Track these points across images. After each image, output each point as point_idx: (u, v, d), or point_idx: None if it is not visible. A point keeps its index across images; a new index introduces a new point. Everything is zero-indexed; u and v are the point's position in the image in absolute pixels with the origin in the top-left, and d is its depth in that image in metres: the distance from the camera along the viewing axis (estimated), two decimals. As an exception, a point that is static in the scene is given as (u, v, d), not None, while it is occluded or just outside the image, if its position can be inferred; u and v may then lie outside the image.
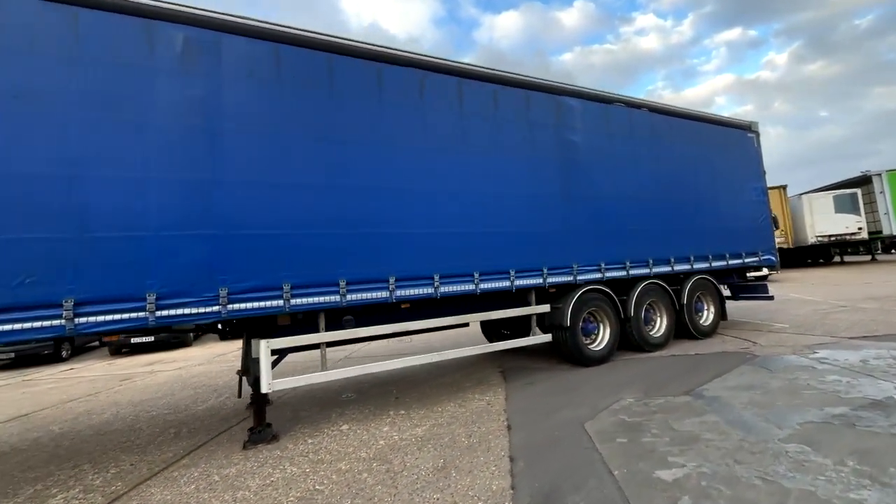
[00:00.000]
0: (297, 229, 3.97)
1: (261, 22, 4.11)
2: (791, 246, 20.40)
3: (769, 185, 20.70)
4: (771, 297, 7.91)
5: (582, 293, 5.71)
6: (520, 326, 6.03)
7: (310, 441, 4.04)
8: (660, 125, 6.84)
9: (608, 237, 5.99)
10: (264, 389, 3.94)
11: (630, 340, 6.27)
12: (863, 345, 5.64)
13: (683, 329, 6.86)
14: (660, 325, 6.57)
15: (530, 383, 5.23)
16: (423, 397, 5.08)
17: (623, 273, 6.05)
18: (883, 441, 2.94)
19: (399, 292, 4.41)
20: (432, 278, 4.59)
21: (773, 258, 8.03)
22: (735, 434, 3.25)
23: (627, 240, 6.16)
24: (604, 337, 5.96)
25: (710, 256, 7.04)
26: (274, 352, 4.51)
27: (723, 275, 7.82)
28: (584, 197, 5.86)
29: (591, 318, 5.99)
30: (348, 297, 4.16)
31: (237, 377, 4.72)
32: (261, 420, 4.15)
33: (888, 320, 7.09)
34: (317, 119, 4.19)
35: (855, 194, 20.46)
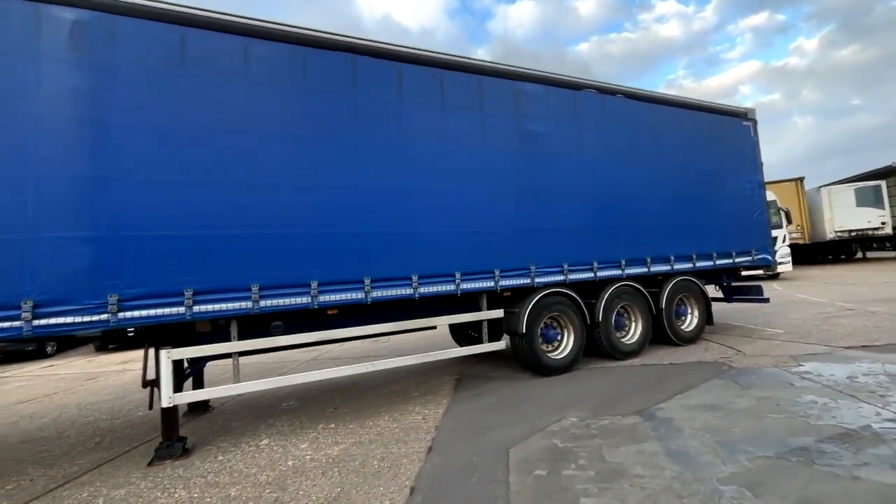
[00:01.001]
0: (200, 231, 3.64)
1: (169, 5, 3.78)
2: (808, 241, 19.29)
3: (789, 177, 19.64)
4: (766, 300, 7.28)
5: (541, 297, 5.25)
6: (491, 329, 5.59)
7: (220, 458, 3.74)
8: (638, 113, 6.27)
9: (573, 236, 5.50)
10: (164, 404, 3.65)
11: (599, 348, 5.79)
12: (857, 357, 5.04)
13: (663, 335, 6.34)
14: (634, 332, 6.05)
15: (478, 395, 4.82)
16: (362, 408, 4.74)
17: (590, 275, 5.56)
18: (839, 486, 2.45)
19: (323, 298, 4.05)
20: (362, 282, 4.22)
21: (769, 257, 7.38)
22: (670, 470, 2.79)
23: (596, 239, 5.65)
24: (567, 344, 5.50)
25: (695, 256, 6.47)
26: (191, 360, 4.24)
27: (712, 275, 7.24)
28: (546, 193, 5.37)
29: (554, 324, 5.53)
30: (262, 303, 3.82)
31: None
32: (169, 435, 3.86)
33: (894, 327, 6.41)
34: (226, 112, 3.84)
35: (879, 186, 19.18)
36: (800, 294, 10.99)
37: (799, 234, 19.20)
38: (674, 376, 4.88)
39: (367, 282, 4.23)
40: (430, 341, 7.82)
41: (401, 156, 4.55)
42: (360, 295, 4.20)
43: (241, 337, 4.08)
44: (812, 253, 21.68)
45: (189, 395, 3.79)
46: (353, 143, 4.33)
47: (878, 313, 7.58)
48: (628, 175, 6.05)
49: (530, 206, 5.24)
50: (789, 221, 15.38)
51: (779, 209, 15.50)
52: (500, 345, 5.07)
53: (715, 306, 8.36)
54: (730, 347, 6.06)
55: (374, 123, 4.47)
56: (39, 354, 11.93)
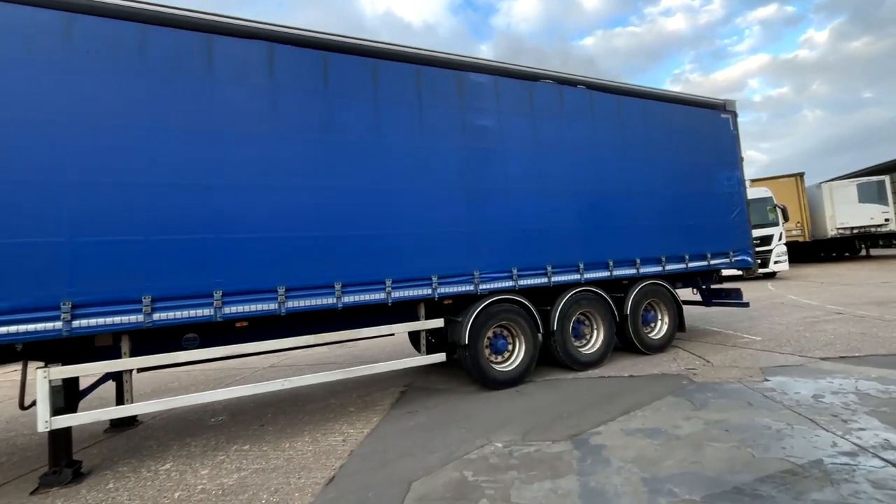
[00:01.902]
0: (79, 237, 3.28)
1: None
2: (808, 239, 18.66)
3: (800, 172, 18.99)
4: (746, 304, 6.83)
5: (488, 305, 4.86)
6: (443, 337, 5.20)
7: (110, 486, 3.41)
8: (602, 105, 5.83)
9: (525, 238, 5.09)
10: (40, 428, 3.31)
11: (556, 358, 5.40)
12: (830, 370, 4.60)
13: (630, 343, 5.92)
14: (594, 340, 5.64)
15: (413, 412, 4.45)
16: (288, 426, 4.39)
17: (543, 280, 5.15)
18: (763, 546, 2.05)
19: (229, 309, 3.70)
20: (276, 291, 3.86)
21: (749, 259, 6.92)
22: (577, 515, 2.41)
23: (551, 241, 5.24)
24: (517, 355, 5.10)
25: (664, 258, 6.03)
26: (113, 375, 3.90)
27: (687, 279, 6.80)
28: (495, 192, 4.97)
29: (505, 333, 5.14)
30: (156, 315, 3.48)
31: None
32: (57, 460, 3.53)
33: (880, 334, 5.95)
34: (123, 104, 3.48)
35: (882, 182, 18.50)
36: (791, 295, 10.49)
37: (799, 232, 18.57)
38: (627, 392, 4.47)
39: (282, 291, 3.86)
40: (399, 346, 7.45)
41: (325, 152, 4.17)
42: (272, 305, 3.84)
43: (148, 351, 3.75)
44: (814, 251, 21.03)
45: (69, 419, 3.45)
46: (288, 140, 3.96)
47: (867, 318, 7.10)
48: (589, 172, 5.62)
49: (476, 207, 4.84)
50: (786, 219, 14.78)
51: (775, 206, 14.94)
52: (440, 357, 4.68)
53: (698, 310, 7.99)
54: (699, 357, 5.64)
55: (296, 118, 4.09)
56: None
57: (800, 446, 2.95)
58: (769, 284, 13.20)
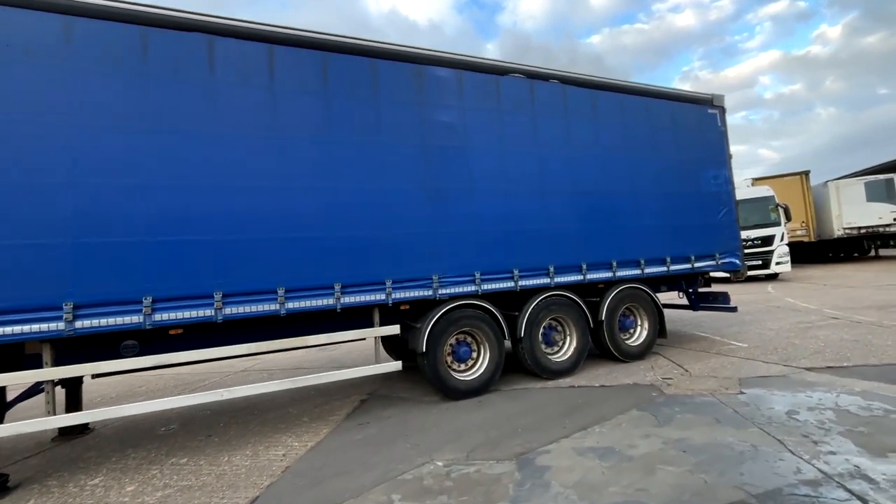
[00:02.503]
0: (-6, 240, 3.11)
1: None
2: (813, 239, 18.11)
3: (802, 170, 18.45)
4: (733, 309, 6.52)
5: (448, 311, 4.62)
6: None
7: (31, 502, 3.24)
8: (577, 100, 5.55)
9: (490, 240, 4.83)
10: (-49, 442, 3.15)
11: (524, 366, 5.14)
12: (813, 382, 4.29)
13: (606, 350, 5.65)
14: (567, 347, 5.37)
15: (365, 424, 4.23)
16: (235, 437, 4.19)
17: (510, 285, 4.90)
18: None
19: (159, 316, 3.50)
20: (212, 297, 3.66)
21: (737, 262, 6.58)
22: (495, 552, 2.17)
23: (518, 243, 4.98)
24: (481, 364, 4.85)
25: (643, 261, 5.73)
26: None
27: (671, 282, 6.49)
28: (457, 192, 4.72)
29: (469, 340, 4.89)
30: (78, 323, 3.29)
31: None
32: (-24, 474, 3.37)
33: (874, 342, 5.60)
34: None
35: (891, 180, 17.89)
36: (790, 298, 10.09)
37: (804, 232, 18.04)
38: (593, 404, 4.20)
39: (219, 297, 3.66)
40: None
41: (269, 152, 3.96)
42: (208, 312, 3.64)
43: (81, 359, 3.57)
44: (820, 251, 20.44)
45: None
46: (213, 138, 3.76)
47: (864, 323, 6.74)
48: (561, 170, 5.35)
49: (436, 207, 4.60)
50: (788, 218, 14.32)
51: (777, 205, 14.48)
52: (396, 365, 4.45)
53: (688, 314, 7.65)
54: (678, 366, 5.34)
55: (242, 114, 3.88)
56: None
57: (759, 472, 2.68)
58: (769, 286, 12.77)
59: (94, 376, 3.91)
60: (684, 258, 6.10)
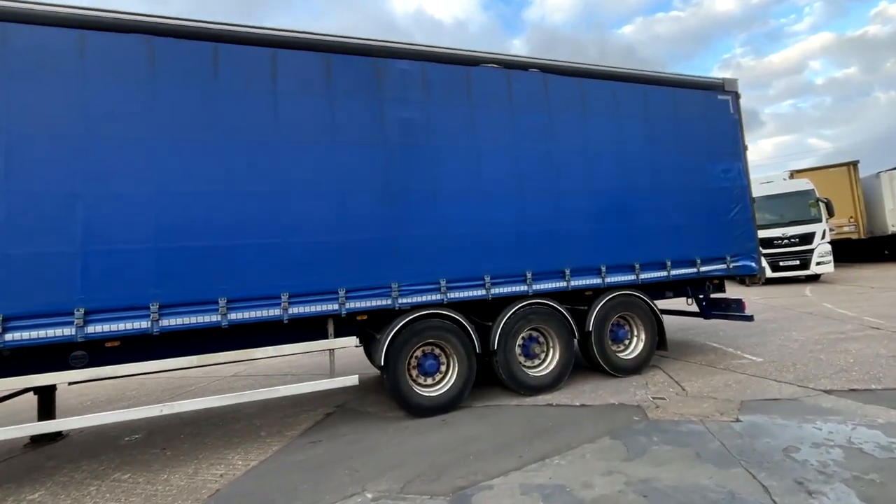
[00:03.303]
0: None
1: None
2: (863, 236, 16.43)
3: (867, 160, 16.71)
4: (749, 318, 5.81)
5: (411, 321, 4.29)
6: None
7: (-37, 518, 3.20)
8: (560, 91, 5.08)
9: (458, 245, 4.46)
10: None
11: (500, 380, 4.74)
12: (829, 409, 3.66)
13: (595, 363, 5.15)
14: (549, 361, 4.91)
15: (317, 441, 3.97)
16: (188, 451, 4.03)
17: (481, 293, 4.51)
18: None
19: (93, 328, 3.38)
20: (148, 308, 3.50)
21: (753, 264, 5.87)
22: None
23: (491, 248, 4.58)
24: (450, 378, 4.49)
25: (638, 266, 5.18)
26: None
27: (675, 287, 5.88)
28: (420, 193, 4.38)
29: (437, 352, 4.54)
30: (8, 336, 3.19)
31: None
32: (-83, 486, 3.36)
33: (915, 360, 4.81)
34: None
35: (956, 169, 15.95)
36: (827, 304, 9.07)
37: (852, 228, 16.40)
38: (564, 427, 3.76)
39: (155, 308, 3.51)
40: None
41: (217, 154, 3.77)
42: (144, 324, 3.49)
43: (32, 370, 3.50)
44: (873, 249, 18.54)
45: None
46: (148, 144, 3.61)
47: (908, 336, 5.87)
48: (542, 168, 4.90)
49: (396, 210, 4.28)
50: (830, 214, 12.99)
51: (817, 200, 13.19)
52: (352, 379, 4.16)
53: (704, 322, 6.95)
54: (676, 383, 4.77)
55: (181, 114, 3.72)
56: None
57: (728, 530, 2.20)
58: (807, 289, 11.61)
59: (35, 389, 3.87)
60: (688, 262, 5.48)
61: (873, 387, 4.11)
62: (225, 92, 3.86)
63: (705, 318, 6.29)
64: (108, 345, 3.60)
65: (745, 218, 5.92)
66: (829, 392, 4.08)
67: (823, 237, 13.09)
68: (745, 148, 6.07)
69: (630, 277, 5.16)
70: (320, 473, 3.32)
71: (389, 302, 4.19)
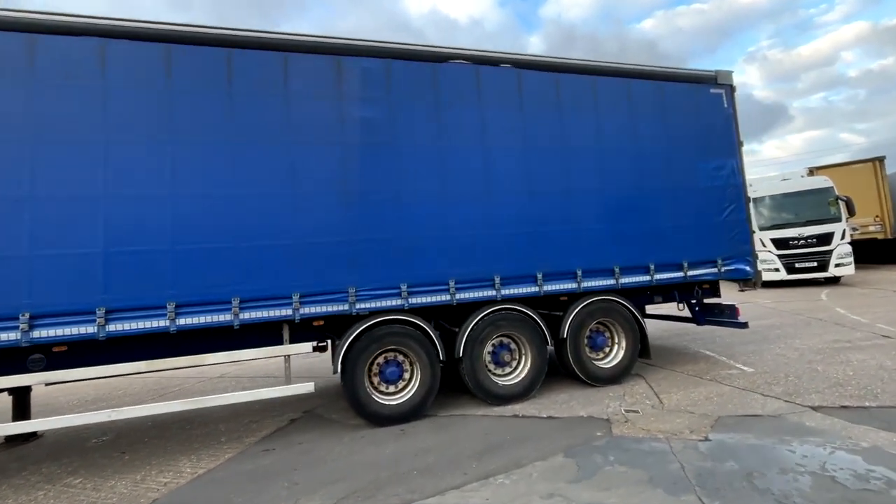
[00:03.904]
0: None
1: None
2: (889, 236, 15.47)
3: (870, 155, 16.01)
4: (743, 325, 5.47)
5: (371, 327, 4.15)
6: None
7: None
8: (535, 86, 4.85)
9: (421, 248, 4.30)
10: None
11: (468, 389, 4.56)
12: (811, 428, 3.36)
13: (571, 372, 4.91)
14: (520, 369, 4.70)
15: (270, 450, 3.88)
16: (145, 456, 3.99)
17: (445, 298, 4.34)
18: None
19: (38, 333, 3.36)
20: (94, 313, 3.47)
21: (748, 268, 5.51)
22: None
23: (456, 250, 4.40)
24: (412, 386, 4.34)
25: (617, 270, 4.92)
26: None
27: (662, 292, 5.57)
28: (381, 195, 4.23)
29: (402, 359, 4.39)
30: (-48, 341, 3.22)
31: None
32: None
33: (921, 373, 4.41)
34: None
35: None
36: (840, 308, 8.52)
37: (878, 228, 15.48)
38: (521, 442, 3.56)
39: (101, 313, 3.47)
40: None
41: (165, 156, 3.71)
42: (90, 329, 3.46)
43: None
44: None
45: None
46: (91, 145, 3.57)
47: (921, 346, 5.41)
48: (515, 167, 4.70)
49: (355, 212, 4.15)
50: (851, 213, 12.26)
51: (836, 198, 12.47)
52: (308, 387, 4.05)
53: (701, 328, 6.59)
54: (656, 395, 4.49)
55: (130, 119, 3.68)
56: None
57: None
58: (823, 293, 10.99)
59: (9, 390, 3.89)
60: (674, 265, 5.18)
61: (867, 404, 3.77)
62: (182, 95, 3.80)
63: (698, 324, 5.95)
64: (56, 349, 3.58)
65: (740, 219, 5.57)
66: (816, 409, 3.75)
67: (843, 237, 12.36)
68: (740, 144, 5.71)
69: (609, 282, 4.90)
70: (259, 485, 3.22)
71: (346, 307, 4.06)
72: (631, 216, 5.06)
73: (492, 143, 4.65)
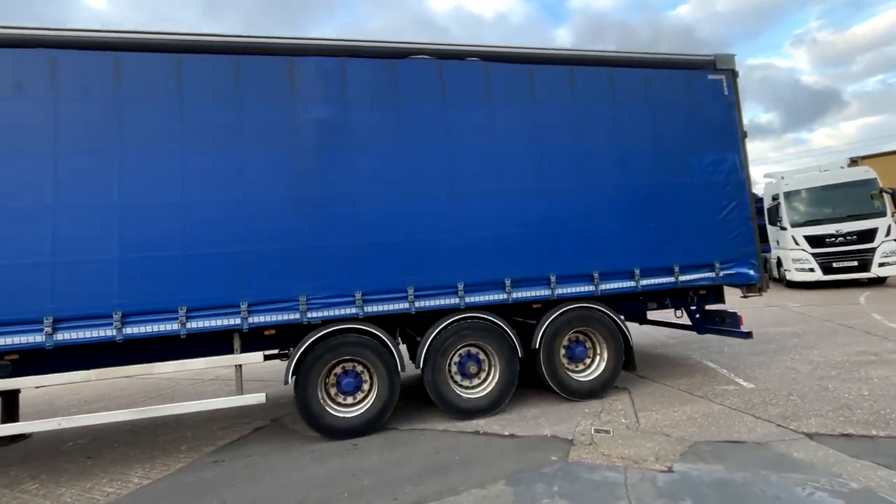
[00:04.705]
0: None
1: None
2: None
3: None
4: (746, 335, 4.95)
5: (325, 336, 3.99)
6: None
7: None
8: (504, 79, 4.54)
9: (378, 253, 4.11)
10: None
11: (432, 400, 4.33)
12: (797, 461, 2.91)
13: (546, 385, 4.57)
14: (488, 381, 4.41)
15: (220, 462, 3.80)
16: (103, 465, 3.99)
17: (403, 306, 4.13)
18: None
19: (-13, 342, 3.42)
20: (41, 322, 3.49)
21: (750, 272, 4.98)
22: None
23: (416, 255, 4.18)
24: (369, 397, 4.15)
25: (596, 275, 4.54)
26: None
27: (654, 299, 5.13)
28: (335, 199, 4.07)
29: (361, 369, 4.20)
30: None
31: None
32: None
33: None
34: None
35: None
36: (877, 314, 7.65)
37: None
38: (467, 464, 3.29)
39: (48, 322, 3.49)
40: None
41: (114, 164, 3.70)
42: (38, 338, 3.49)
43: None
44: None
45: None
46: (36, 157, 3.60)
47: (961, 361, 4.70)
48: (481, 166, 4.42)
49: (307, 217, 4.00)
50: (898, 206, 11.09)
51: (881, 191, 11.30)
52: (259, 397, 3.93)
53: (708, 336, 6.07)
54: (634, 413, 4.10)
55: (81, 127, 3.69)
56: None
57: None
58: (863, 295, 9.96)
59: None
60: (663, 269, 4.74)
61: (874, 432, 3.25)
62: (128, 101, 3.78)
63: (699, 333, 5.46)
64: (8, 358, 3.64)
65: (742, 217, 5.04)
66: (812, 436, 3.28)
67: (889, 234, 11.18)
68: (743, 135, 5.17)
69: (588, 288, 4.53)
70: (188, 502, 3.13)
71: (297, 316, 3.92)
72: (613, 217, 4.67)
73: (457, 141, 4.40)
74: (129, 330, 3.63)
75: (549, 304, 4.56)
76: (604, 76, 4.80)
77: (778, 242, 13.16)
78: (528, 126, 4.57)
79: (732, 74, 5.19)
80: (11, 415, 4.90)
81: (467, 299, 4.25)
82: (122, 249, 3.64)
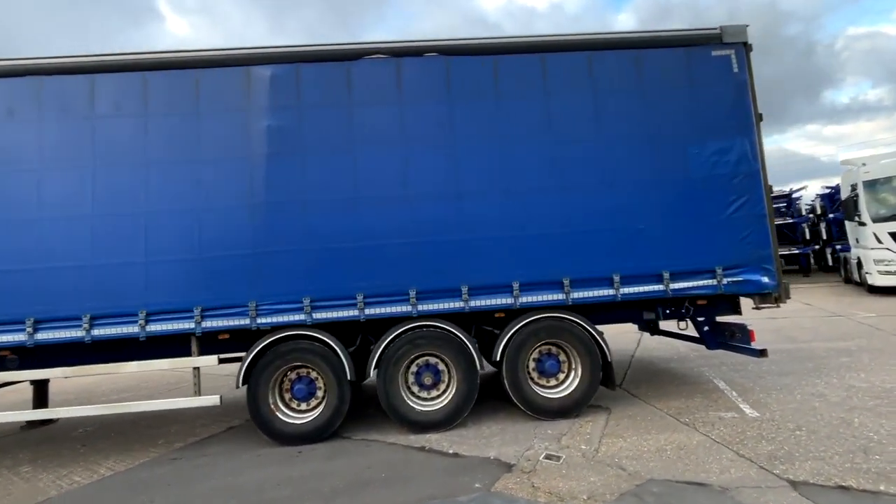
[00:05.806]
0: None
1: None
2: None
3: None
4: (760, 353, 4.24)
5: (275, 342, 4.01)
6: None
7: None
8: (467, 73, 4.27)
9: (329, 260, 4.04)
10: None
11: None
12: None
13: (511, 401, 4.23)
14: (445, 393, 4.16)
15: (177, 460, 3.97)
16: (91, 453, 4.34)
17: (352, 313, 4.02)
18: None
19: (-23, 340, 3.86)
20: (23, 323, 3.85)
21: (764, 279, 4.23)
22: None
23: (368, 261, 4.05)
24: (321, 405, 4.09)
25: (567, 282, 4.11)
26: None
27: (647, 308, 4.56)
28: (287, 205, 4.07)
29: (316, 376, 4.17)
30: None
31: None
32: None
33: None
34: None
35: None
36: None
37: None
38: (386, 485, 3.10)
39: (30, 323, 3.85)
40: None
41: (78, 178, 3.99)
42: (21, 337, 3.87)
43: None
44: None
45: None
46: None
47: None
48: (439, 167, 4.19)
49: (261, 225, 4.04)
50: None
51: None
52: (213, 399, 4.03)
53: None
54: (600, 438, 3.65)
55: (60, 146, 4.04)
56: None
57: None
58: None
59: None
60: (650, 276, 4.18)
61: (882, 487, 2.57)
62: (102, 118, 4.05)
63: (708, 348, 4.76)
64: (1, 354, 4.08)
65: (755, 214, 4.30)
66: (797, 484, 2.67)
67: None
68: (758, 118, 4.41)
69: (557, 297, 4.12)
70: (123, 498, 3.28)
71: (247, 322, 3.98)
72: (590, 217, 4.20)
73: (413, 141, 4.21)
74: (96, 332, 3.90)
75: (514, 313, 4.22)
76: (581, 61, 4.34)
77: (857, 241, 11.29)
78: (493, 122, 4.25)
79: (744, 48, 4.45)
80: (42, 401, 5.54)
81: (420, 307, 4.05)
82: (87, 257, 3.92)
